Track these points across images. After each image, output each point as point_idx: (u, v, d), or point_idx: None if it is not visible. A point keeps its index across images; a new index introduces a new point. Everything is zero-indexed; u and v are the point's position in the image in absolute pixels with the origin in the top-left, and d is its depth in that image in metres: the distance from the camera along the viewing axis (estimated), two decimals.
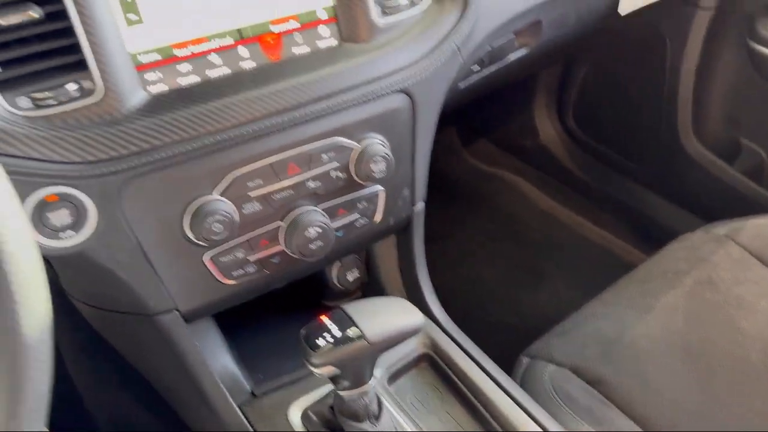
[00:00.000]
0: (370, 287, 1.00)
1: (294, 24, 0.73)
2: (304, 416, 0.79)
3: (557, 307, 1.16)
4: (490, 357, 0.86)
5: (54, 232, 0.62)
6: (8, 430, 0.38)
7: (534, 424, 0.78)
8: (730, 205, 1.48)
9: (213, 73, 0.70)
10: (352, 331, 0.64)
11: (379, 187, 0.82)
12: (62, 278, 0.76)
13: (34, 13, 0.57)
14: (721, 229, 1.12)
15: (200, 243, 0.70)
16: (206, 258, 0.73)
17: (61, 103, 0.60)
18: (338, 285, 0.98)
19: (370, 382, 0.68)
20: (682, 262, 1.07)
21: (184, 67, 0.68)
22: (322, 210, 0.77)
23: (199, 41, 0.69)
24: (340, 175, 0.76)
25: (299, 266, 0.81)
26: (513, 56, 1.09)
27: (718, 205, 1.52)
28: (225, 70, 0.70)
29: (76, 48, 0.60)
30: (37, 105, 0.60)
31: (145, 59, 0.66)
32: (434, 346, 0.86)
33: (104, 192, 0.63)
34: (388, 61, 0.76)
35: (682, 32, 1.44)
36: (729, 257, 1.06)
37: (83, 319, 0.81)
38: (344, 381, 0.67)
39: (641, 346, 0.95)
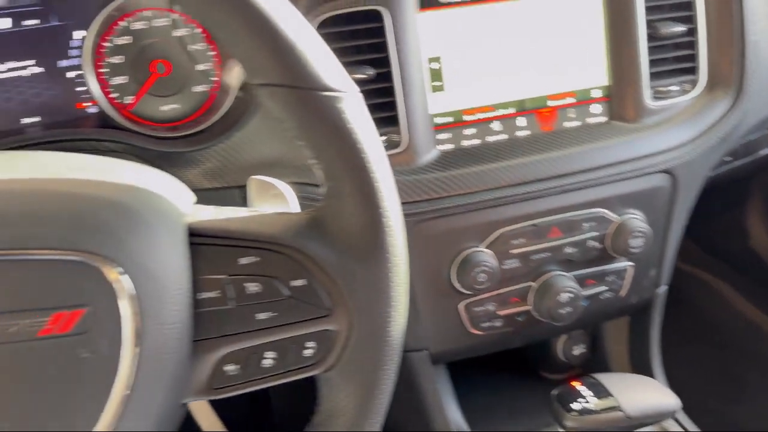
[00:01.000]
0: (594, 365, 1.00)
1: (570, 100, 0.79)
2: None
3: (761, 423, 1.06)
4: None
5: None
6: (363, 430, 0.44)
7: None
8: None
9: (492, 138, 0.77)
10: (609, 401, 0.65)
11: (628, 263, 0.83)
12: None
13: (369, 72, 0.68)
14: None
15: (462, 290, 0.75)
16: (461, 306, 0.78)
17: None
18: (562, 358, 0.99)
19: None
20: None
21: (470, 130, 0.76)
22: (573, 277, 0.80)
23: (485, 109, 0.76)
24: (596, 245, 0.79)
25: (539, 329, 0.84)
26: (764, 151, 1.06)
27: None
28: (503, 136, 0.77)
29: (391, 105, 0.70)
30: None
31: (440, 121, 0.75)
32: None
33: None
34: (654, 142, 0.79)
35: None
36: None
37: None
38: None
39: None
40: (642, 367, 0.94)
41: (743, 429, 1.43)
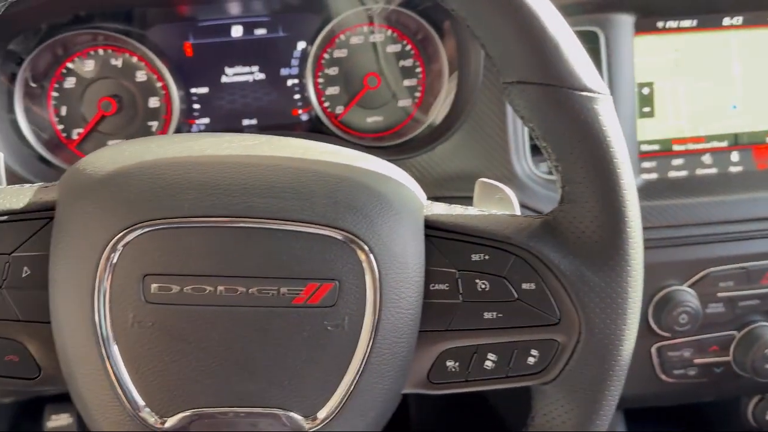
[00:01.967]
0: None
1: None
2: None
3: None
4: None
5: None
6: (591, 430, 0.41)
7: None
8: None
9: (702, 171, 0.72)
10: None
11: None
12: None
13: None
14: None
15: (658, 331, 0.70)
16: (653, 348, 0.73)
17: None
18: (751, 421, 0.89)
19: None
20: None
21: (678, 161, 0.72)
22: None
23: (697, 140, 0.72)
24: None
25: (736, 384, 0.76)
26: None
27: None
28: (712, 170, 0.72)
29: None
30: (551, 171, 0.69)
31: (646, 148, 0.71)
32: None
33: None
34: None
35: None
36: None
37: None
38: None
39: None
40: None
41: None
